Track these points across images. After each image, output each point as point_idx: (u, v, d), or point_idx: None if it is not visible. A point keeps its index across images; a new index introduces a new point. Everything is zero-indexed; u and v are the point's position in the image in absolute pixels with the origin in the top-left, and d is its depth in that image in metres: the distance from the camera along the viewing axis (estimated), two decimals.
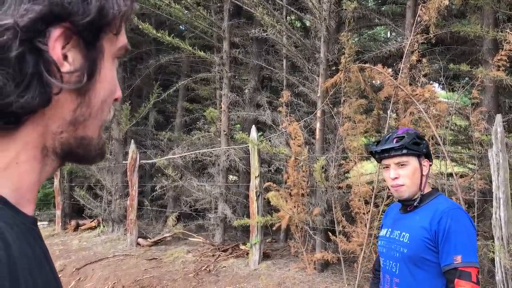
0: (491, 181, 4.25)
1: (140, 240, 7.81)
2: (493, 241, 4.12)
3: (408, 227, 2.02)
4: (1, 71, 0.50)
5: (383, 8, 8.35)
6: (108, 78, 0.63)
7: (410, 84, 4.98)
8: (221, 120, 7.68)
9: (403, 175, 2.02)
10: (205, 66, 9.05)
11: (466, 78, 6.42)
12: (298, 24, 9.30)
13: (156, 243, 7.78)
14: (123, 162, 8.67)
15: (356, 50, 5.47)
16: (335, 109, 6.03)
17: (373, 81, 6.18)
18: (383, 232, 2.19)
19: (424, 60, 4.84)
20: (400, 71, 5.03)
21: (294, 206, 5.60)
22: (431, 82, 6.56)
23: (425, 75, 4.91)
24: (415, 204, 2.04)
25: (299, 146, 5.61)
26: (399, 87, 4.84)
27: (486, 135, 4.52)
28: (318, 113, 5.96)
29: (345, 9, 5.52)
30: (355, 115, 5.29)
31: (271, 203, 5.82)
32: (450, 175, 4.89)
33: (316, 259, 5.60)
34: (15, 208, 0.55)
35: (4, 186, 0.55)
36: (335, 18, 6.03)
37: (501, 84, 4.90)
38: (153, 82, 9.21)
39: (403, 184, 2.02)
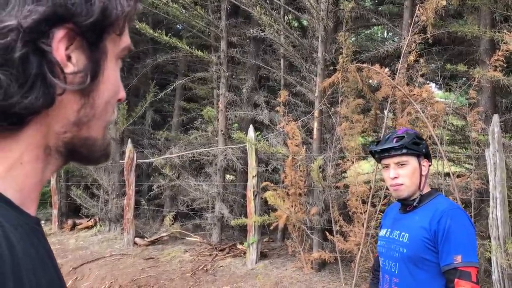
0: (488, 181, 4.27)
1: (137, 239, 7.80)
2: (490, 241, 4.14)
3: (408, 227, 2.03)
4: (5, 72, 0.50)
5: (380, 8, 8.36)
6: (112, 78, 0.63)
7: (408, 84, 5.00)
8: (218, 120, 7.68)
9: (403, 175, 2.03)
10: (203, 66, 9.05)
11: (464, 78, 6.44)
12: (296, 23, 9.31)
13: (153, 243, 7.77)
14: (120, 161, 8.65)
15: (353, 50, 5.48)
16: (332, 108, 6.04)
17: (371, 81, 6.19)
18: (382, 232, 2.19)
19: (421, 60, 4.85)
20: (398, 71, 5.04)
21: (292, 206, 5.60)
22: (427, 82, 6.57)
23: (422, 75, 4.93)
24: (414, 204, 2.05)
25: (296, 145, 5.61)
26: (397, 87, 4.86)
27: (483, 135, 4.54)
28: (316, 113, 5.97)
29: (343, 9, 5.53)
30: (352, 115, 5.30)
31: (269, 203, 5.82)
32: (447, 175, 4.90)
33: (313, 259, 5.60)
34: (19, 208, 0.55)
35: (8, 187, 0.55)
36: (332, 18, 6.03)
37: (498, 84, 4.92)
38: (150, 81, 9.20)
39: (402, 183, 2.03)
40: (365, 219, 4.89)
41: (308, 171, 5.65)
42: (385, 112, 5.10)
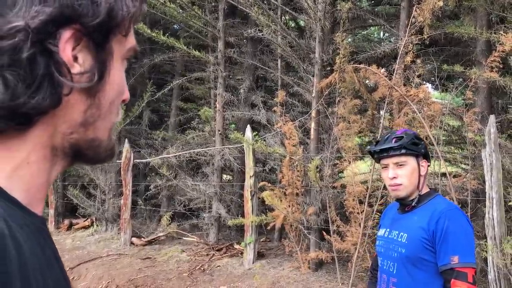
0: (484, 181, 4.29)
1: (134, 239, 7.79)
2: (486, 241, 4.16)
3: (406, 227, 2.04)
4: (13, 72, 0.51)
5: (376, 9, 8.38)
6: (117, 79, 0.63)
7: (405, 85, 5.02)
8: (215, 120, 7.68)
9: (401, 175, 2.04)
10: (200, 66, 9.04)
11: (460, 79, 6.47)
12: (293, 24, 9.32)
13: (150, 243, 7.76)
14: (117, 161, 8.63)
15: (350, 50, 5.50)
16: (329, 109, 6.05)
17: (367, 82, 6.21)
18: (381, 232, 2.20)
19: (418, 61, 4.87)
20: (395, 71, 5.06)
21: (289, 206, 5.61)
22: (424, 82, 6.60)
23: (419, 76, 4.95)
24: (413, 204, 2.06)
25: (293, 145, 5.62)
26: (394, 87, 4.87)
27: (480, 136, 4.56)
28: (313, 113, 5.98)
29: (340, 10, 5.55)
30: (349, 115, 5.32)
31: (266, 203, 5.83)
32: (443, 175, 4.93)
33: (310, 258, 5.62)
34: (26, 208, 0.56)
35: (15, 187, 0.55)
36: (330, 19, 6.05)
37: (494, 85, 4.94)
38: (147, 81, 9.19)
39: (401, 183, 2.04)
40: (362, 219, 4.90)
41: (305, 171, 5.66)
42: (381, 112, 5.12)
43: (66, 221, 9.75)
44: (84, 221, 9.60)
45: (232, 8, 7.76)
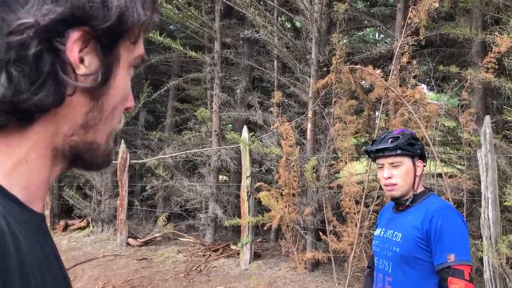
0: (479, 182, 4.31)
1: (130, 240, 7.78)
2: (482, 241, 4.18)
3: (401, 227, 2.05)
4: (18, 68, 0.51)
5: (372, 10, 8.40)
6: (122, 85, 0.63)
7: (400, 86, 5.03)
8: (212, 120, 7.68)
9: (396, 175, 2.05)
10: (196, 66, 9.04)
11: (456, 80, 6.50)
12: (289, 25, 9.33)
13: (146, 243, 7.75)
14: (113, 162, 8.62)
15: (347, 51, 5.51)
16: (326, 109, 6.06)
17: (363, 82, 6.23)
18: (377, 231, 2.22)
19: (414, 61, 4.89)
20: (391, 72, 5.08)
21: (285, 206, 5.62)
22: (418, 83, 6.62)
23: (415, 77, 4.97)
24: (407, 203, 2.07)
25: (290, 146, 5.63)
26: (390, 88, 4.89)
27: (475, 136, 4.58)
28: (309, 114, 5.99)
29: (336, 11, 5.56)
30: (346, 115, 5.33)
31: (262, 203, 5.83)
32: (439, 175, 4.94)
33: (306, 259, 5.62)
34: (25, 205, 0.56)
35: (14, 184, 0.55)
36: (326, 20, 6.07)
37: (490, 86, 4.97)
38: (143, 81, 9.17)
39: (396, 183, 2.05)
40: (358, 219, 4.91)
41: (301, 172, 5.67)
42: (377, 113, 5.13)
43: (62, 222, 9.71)
44: (80, 222, 9.57)
45: (228, 9, 7.77)
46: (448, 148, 7.32)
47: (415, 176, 2.07)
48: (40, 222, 0.59)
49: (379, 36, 11.01)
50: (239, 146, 6.42)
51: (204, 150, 7.64)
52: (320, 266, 5.90)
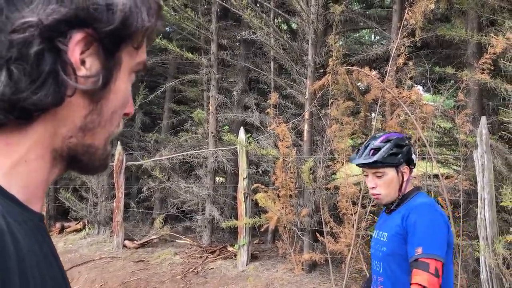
0: (476, 182, 4.32)
1: (126, 242, 7.76)
2: (478, 241, 4.19)
3: (387, 227, 2.07)
4: (19, 66, 0.51)
5: (368, 12, 8.43)
6: (122, 89, 0.63)
7: (397, 87, 5.05)
8: (208, 122, 7.68)
9: (380, 185, 2.04)
10: (193, 68, 9.04)
11: (452, 81, 6.52)
12: (285, 27, 9.34)
13: (143, 245, 7.73)
14: (110, 164, 8.58)
15: (343, 52, 5.53)
16: (322, 111, 6.08)
17: (360, 84, 6.24)
18: (374, 234, 2.24)
19: (410, 63, 4.91)
20: (387, 73, 5.09)
21: (282, 207, 5.62)
22: (414, 85, 6.64)
23: (411, 78, 4.98)
24: (392, 207, 2.08)
25: (287, 147, 5.63)
26: (386, 89, 4.90)
27: (471, 137, 4.60)
28: (306, 115, 6.00)
29: (332, 12, 5.57)
30: (342, 117, 5.34)
31: (259, 205, 5.83)
32: (436, 176, 4.96)
33: (304, 260, 5.62)
34: (24, 205, 0.56)
35: (13, 184, 0.55)
36: (322, 21, 6.08)
37: (485, 87, 4.99)
38: (139, 83, 9.16)
39: (380, 193, 2.05)
40: (355, 220, 4.92)
41: (298, 173, 5.67)
42: (373, 114, 5.14)
43: (58, 224, 9.68)
44: (76, 224, 9.54)
45: (225, 10, 7.78)
46: (444, 149, 7.34)
47: (401, 181, 2.05)
48: (39, 222, 0.58)
49: (375, 37, 11.05)
50: (236, 148, 6.42)
51: (201, 152, 7.64)
52: (317, 267, 5.90)
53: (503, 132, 5.13)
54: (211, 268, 6.28)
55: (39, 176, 0.58)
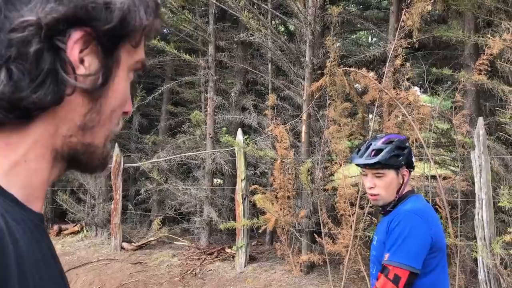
0: (473, 183, 4.33)
1: (124, 244, 7.74)
2: (476, 241, 4.20)
3: (379, 231, 2.09)
4: (18, 65, 0.51)
5: (365, 14, 8.45)
6: (121, 88, 0.63)
7: (394, 88, 5.06)
8: (206, 123, 7.68)
9: (379, 186, 2.02)
10: (190, 70, 9.03)
11: (449, 82, 6.54)
12: (282, 28, 9.36)
13: (140, 247, 7.71)
14: (109, 163, 8.56)
15: (340, 54, 5.54)
16: (320, 112, 6.08)
17: (357, 85, 6.25)
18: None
19: (407, 64, 4.92)
20: (384, 75, 5.10)
21: (280, 209, 5.62)
22: (412, 86, 6.65)
23: (408, 79, 4.99)
24: (388, 209, 2.07)
25: (285, 149, 5.64)
26: (384, 90, 4.91)
27: (469, 138, 4.61)
28: (304, 116, 6.00)
29: (330, 14, 5.59)
30: (340, 118, 5.34)
31: (257, 206, 5.83)
32: (433, 177, 4.97)
33: (302, 261, 5.62)
34: (23, 205, 0.56)
35: (12, 183, 0.55)
36: (320, 23, 6.09)
37: (482, 88, 5.00)
38: (137, 85, 9.15)
39: (378, 194, 2.03)
40: (353, 221, 4.92)
41: (296, 174, 5.68)
42: (371, 115, 5.15)
43: (56, 227, 9.65)
44: (74, 226, 9.51)
45: (222, 12, 7.78)
46: (441, 150, 7.35)
47: (400, 184, 2.04)
48: (38, 221, 0.58)
49: (372, 39, 11.09)
50: (234, 149, 6.42)
51: (199, 153, 7.63)
52: (315, 268, 5.90)
53: (500, 133, 5.15)
54: (209, 270, 6.27)
55: (39, 176, 0.58)
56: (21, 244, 0.51)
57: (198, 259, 6.76)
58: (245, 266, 6.11)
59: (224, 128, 6.98)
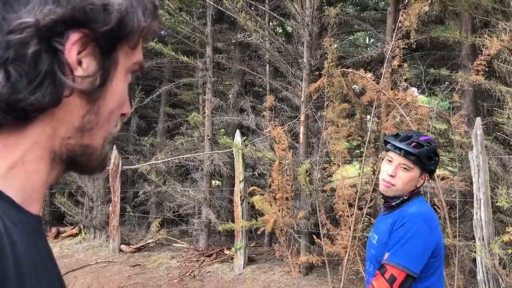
0: (471, 183, 4.34)
1: (123, 246, 7.72)
2: (474, 242, 4.20)
3: (379, 230, 2.08)
4: (16, 67, 0.51)
5: (362, 14, 8.47)
6: (119, 89, 0.63)
7: (392, 89, 5.07)
8: (204, 125, 7.67)
9: (400, 177, 2.02)
10: (188, 71, 9.03)
11: (446, 83, 6.56)
12: (280, 30, 9.37)
13: (139, 250, 7.70)
14: (107, 164, 8.54)
15: (338, 55, 5.54)
16: (318, 113, 6.09)
17: (355, 86, 6.26)
18: (370, 234, 2.24)
19: (405, 65, 4.93)
20: (382, 75, 5.11)
21: (279, 210, 5.61)
22: (409, 86, 6.67)
23: (406, 80, 5.01)
24: (393, 203, 2.06)
25: (283, 150, 5.64)
26: (381, 91, 4.92)
27: (466, 138, 4.62)
28: (302, 118, 6.01)
29: (327, 15, 5.60)
30: (338, 119, 5.35)
31: (256, 207, 5.83)
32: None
33: (301, 263, 5.62)
34: (20, 207, 0.56)
35: (10, 185, 0.55)
36: (317, 24, 6.10)
37: (480, 88, 5.02)
38: (135, 87, 9.14)
39: (394, 184, 2.03)
40: (352, 222, 4.92)
41: (295, 175, 5.68)
42: (369, 116, 5.16)
43: (54, 229, 9.61)
44: (72, 229, 9.48)
45: (220, 14, 7.78)
46: (439, 150, 7.36)
47: (416, 186, 2.05)
48: (36, 224, 0.58)
49: (370, 40, 11.12)
50: (232, 151, 6.42)
51: (197, 155, 7.63)
52: (314, 269, 5.90)
53: (498, 133, 5.15)
54: (208, 272, 6.26)
55: (37, 178, 0.58)
56: (19, 246, 0.51)
57: (197, 261, 6.75)
58: (244, 268, 6.11)
59: (222, 130, 6.99)
